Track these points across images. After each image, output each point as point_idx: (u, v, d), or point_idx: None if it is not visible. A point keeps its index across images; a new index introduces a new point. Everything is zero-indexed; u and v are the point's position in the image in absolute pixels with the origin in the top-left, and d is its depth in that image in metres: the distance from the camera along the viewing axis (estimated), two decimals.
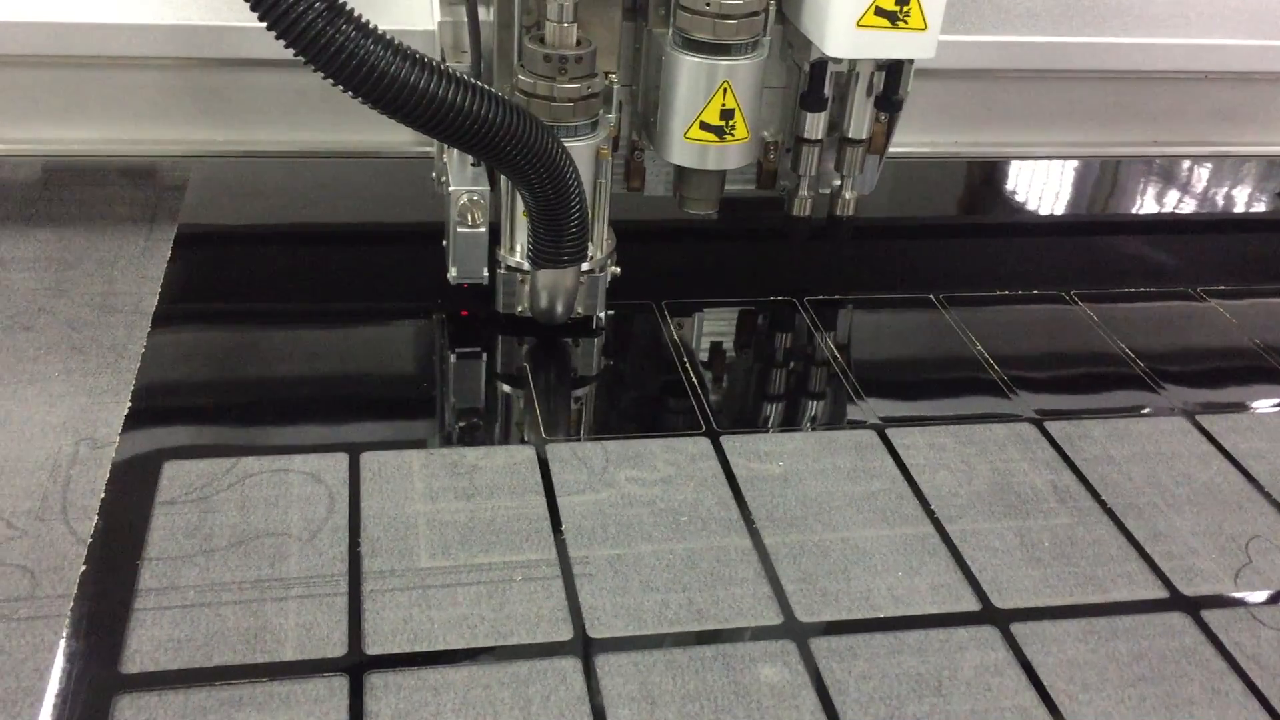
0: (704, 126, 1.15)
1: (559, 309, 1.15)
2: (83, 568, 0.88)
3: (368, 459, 1.01)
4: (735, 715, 0.81)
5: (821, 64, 1.19)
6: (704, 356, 1.21)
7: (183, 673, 0.81)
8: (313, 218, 1.41)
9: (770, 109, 1.25)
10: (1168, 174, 1.70)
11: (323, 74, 0.91)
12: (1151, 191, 1.67)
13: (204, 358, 1.13)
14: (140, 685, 0.80)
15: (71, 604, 0.85)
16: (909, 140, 1.48)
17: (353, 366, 1.15)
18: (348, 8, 0.90)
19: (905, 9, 1.06)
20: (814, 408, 1.16)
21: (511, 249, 1.15)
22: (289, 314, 1.23)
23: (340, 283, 1.28)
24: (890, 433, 1.10)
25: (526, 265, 1.13)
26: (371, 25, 0.91)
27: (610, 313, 1.22)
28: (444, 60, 1.15)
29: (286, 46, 0.90)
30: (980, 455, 1.08)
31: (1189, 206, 1.64)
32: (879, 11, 1.06)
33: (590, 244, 1.13)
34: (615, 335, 1.23)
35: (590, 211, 1.11)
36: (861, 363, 1.21)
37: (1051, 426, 1.13)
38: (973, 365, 1.22)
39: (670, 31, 1.14)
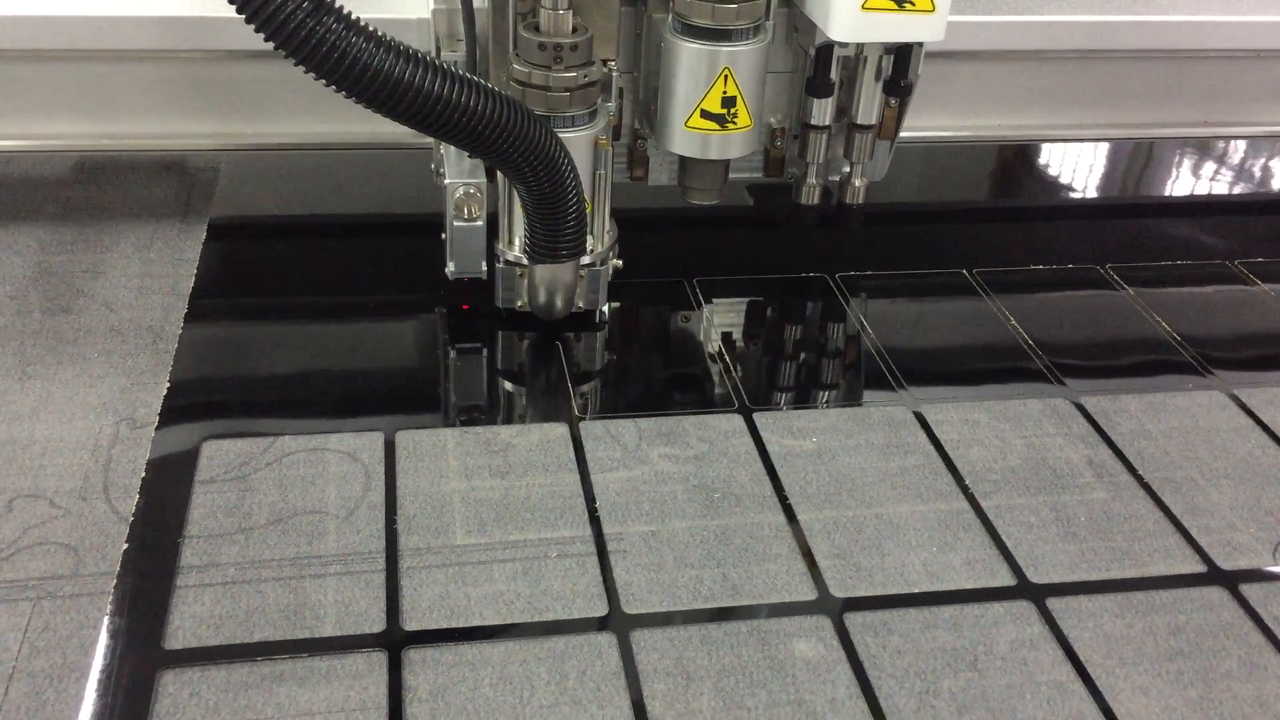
0: (705, 115, 1.13)
1: (558, 305, 1.12)
2: (125, 546, 0.89)
3: (403, 438, 1.02)
4: (770, 690, 0.82)
5: (827, 48, 1.16)
6: (736, 333, 1.21)
7: (224, 648, 0.82)
8: (345, 208, 1.41)
9: (776, 94, 1.23)
10: (1216, 154, 1.67)
11: (307, 69, 0.87)
12: (1199, 172, 1.63)
13: (241, 339, 1.14)
14: (183, 661, 0.81)
15: (115, 581, 0.86)
16: (948, 124, 1.45)
17: (387, 346, 1.16)
18: (333, 2, 0.86)
19: None
20: (847, 384, 1.15)
21: (510, 243, 1.13)
22: (324, 297, 1.23)
23: (375, 271, 1.29)
24: (924, 408, 1.10)
25: (525, 259, 1.11)
26: (356, 18, 0.87)
27: (615, 305, 1.20)
28: (439, 49, 1.13)
29: (267, 39, 0.86)
30: (1015, 431, 1.08)
31: (1237, 187, 1.61)
32: None
33: (590, 237, 1.10)
34: (646, 312, 1.23)
35: (590, 203, 1.08)
36: (894, 339, 1.20)
37: (1087, 401, 1.12)
38: (1007, 340, 1.21)
39: (669, 17, 1.11)
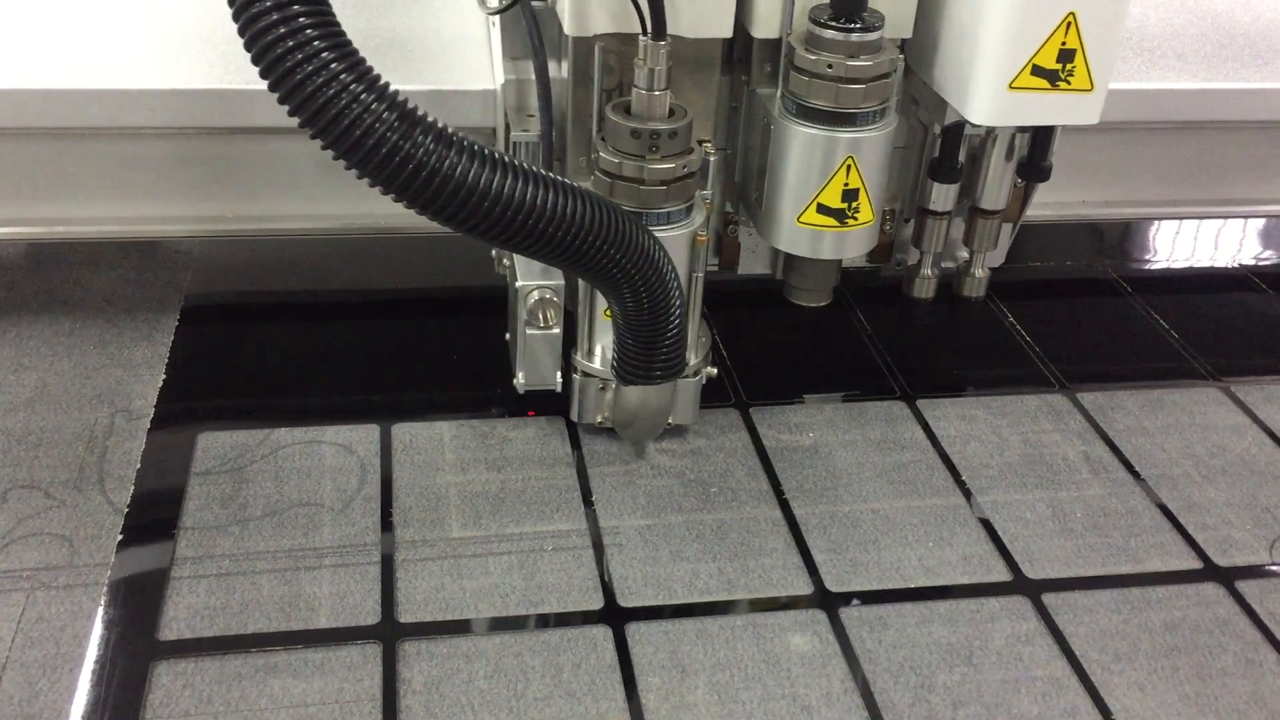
0: (822, 210, 0.95)
1: (650, 432, 1.00)
2: (119, 537, 0.89)
3: (399, 430, 1.02)
4: (765, 684, 0.82)
5: (957, 128, 1.00)
6: (733, 328, 1.20)
7: (219, 640, 0.82)
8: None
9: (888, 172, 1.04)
10: None
11: (392, 195, 0.74)
12: None
13: (238, 330, 1.14)
14: (177, 652, 0.81)
15: (109, 572, 0.86)
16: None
17: (385, 338, 1.15)
18: (420, 113, 0.73)
19: (1069, 67, 0.87)
20: (844, 379, 1.15)
21: (589, 353, 0.98)
22: (322, 292, 1.23)
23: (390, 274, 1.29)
24: (920, 403, 1.10)
25: (608, 374, 0.97)
26: (445, 128, 0.74)
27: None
28: (508, 126, 0.99)
29: (348, 168, 0.73)
30: (1011, 426, 1.08)
31: None
32: (1037, 71, 0.87)
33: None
34: None
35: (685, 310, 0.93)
36: (891, 333, 1.20)
37: (1084, 397, 1.12)
38: (1004, 336, 1.21)
39: (779, 95, 0.93)
